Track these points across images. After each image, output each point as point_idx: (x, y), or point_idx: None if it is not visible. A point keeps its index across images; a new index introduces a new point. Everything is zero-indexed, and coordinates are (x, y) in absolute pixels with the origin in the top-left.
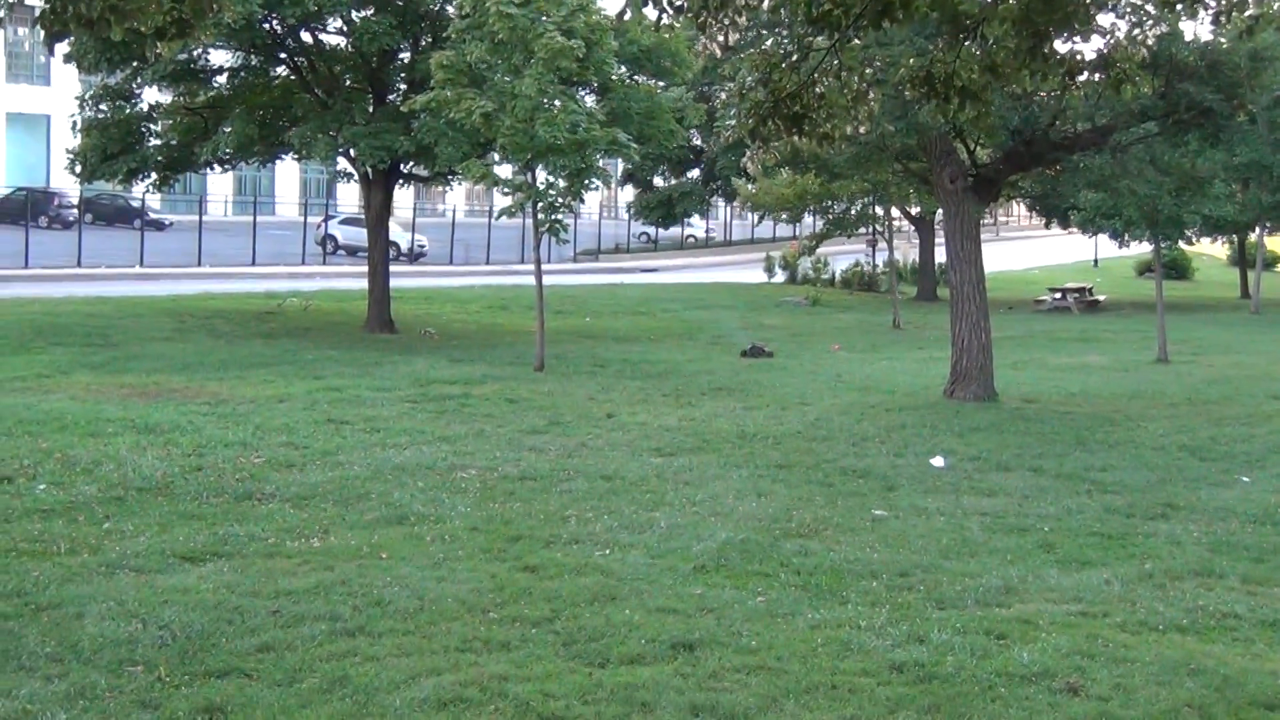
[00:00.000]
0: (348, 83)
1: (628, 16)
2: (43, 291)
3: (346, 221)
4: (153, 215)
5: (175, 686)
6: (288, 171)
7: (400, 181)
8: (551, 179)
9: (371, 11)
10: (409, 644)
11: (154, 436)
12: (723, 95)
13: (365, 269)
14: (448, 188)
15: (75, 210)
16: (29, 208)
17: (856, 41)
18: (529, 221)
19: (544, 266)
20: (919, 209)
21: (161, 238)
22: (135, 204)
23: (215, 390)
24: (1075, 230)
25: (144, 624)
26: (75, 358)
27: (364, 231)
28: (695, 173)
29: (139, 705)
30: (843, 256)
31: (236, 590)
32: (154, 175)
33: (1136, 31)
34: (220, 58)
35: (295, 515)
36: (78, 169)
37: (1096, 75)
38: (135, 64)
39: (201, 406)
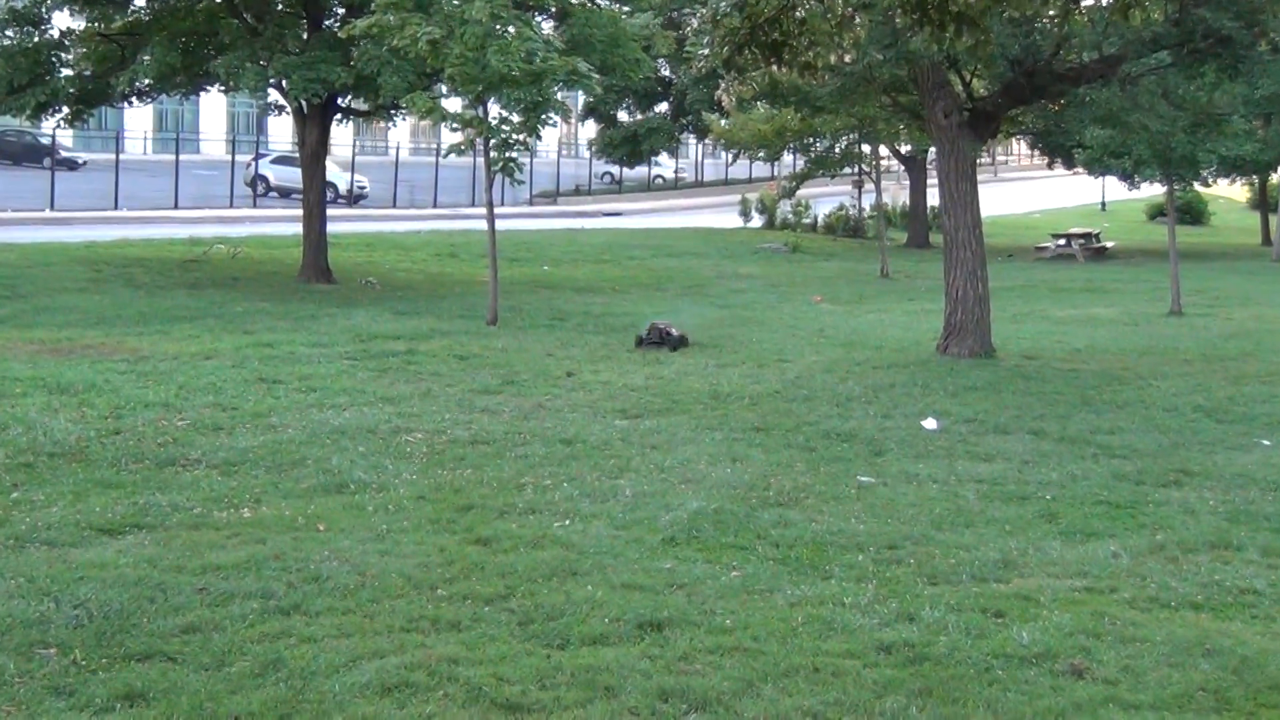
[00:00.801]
0: (279, 7)
1: None
2: None
3: (279, 160)
4: (64, 154)
5: (92, 670)
6: (213, 105)
7: (338, 116)
8: (505, 113)
9: None
10: (349, 624)
11: (67, 397)
12: (694, 21)
13: (299, 213)
14: (390, 123)
15: None
16: None
17: None
18: (480, 160)
19: (497, 210)
20: (909, 147)
21: (74, 178)
22: (45, 141)
23: (134, 346)
24: (1081, 171)
25: (57, 602)
26: None
27: (298, 171)
28: (663, 107)
29: (52, 691)
30: (826, 199)
31: (159, 565)
32: (65, 109)
33: None
34: None
35: (223, 483)
36: None
37: None
38: None
39: (119, 364)
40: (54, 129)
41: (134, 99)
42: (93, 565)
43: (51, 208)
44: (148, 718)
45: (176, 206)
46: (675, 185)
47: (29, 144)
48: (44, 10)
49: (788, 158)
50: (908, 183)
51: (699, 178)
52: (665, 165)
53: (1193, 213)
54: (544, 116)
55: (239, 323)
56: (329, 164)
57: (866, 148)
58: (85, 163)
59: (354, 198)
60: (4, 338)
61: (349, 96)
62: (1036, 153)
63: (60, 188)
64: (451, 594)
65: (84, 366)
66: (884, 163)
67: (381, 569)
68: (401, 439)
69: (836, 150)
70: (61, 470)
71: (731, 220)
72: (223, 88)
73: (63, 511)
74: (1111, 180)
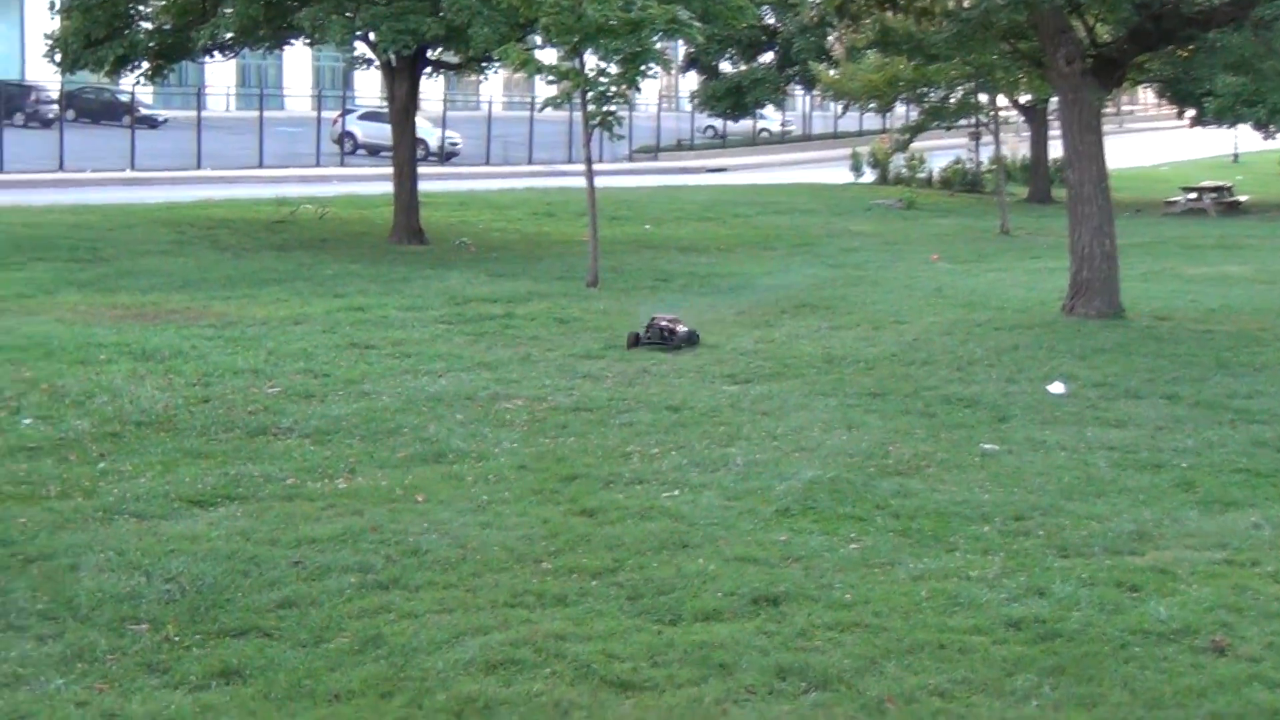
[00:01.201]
0: None
1: None
2: (20, 199)
3: (367, 116)
4: (144, 111)
5: (185, 647)
6: (298, 60)
7: (428, 70)
8: (603, 65)
9: None
10: (451, 599)
11: (153, 364)
12: None
13: (389, 171)
14: (482, 77)
15: (55, 106)
16: (2, 104)
17: None
18: (577, 115)
19: (595, 167)
20: (1029, 97)
21: (154, 137)
22: (124, 98)
23: (221, 311)
24: (1211, 120)
25: (148, 577)
26: (60, 275)
27: (387, 128)
28: (768, 57)
29: (145, 668)
30: (941, 152)
31: (252, 538)
32: (145, 64)
33: None
34: None
35: (316, 453)
36: (57, 58)
37: None
38: None
39: (206, 329)
40: (133, 86)
41: (215, 53)
42: (184, 538)
43: (132, 167)
44: (244, 695)
45: (261, 165)
46: (781, 139)
47: (107, 102)
48: None
49: (900, 109)
50: (1028, 134)
51: (806, 131)
52: (771, 118)
53: None
54: (643, 68)
55: (329, 286)
56: (419, 120)
57: (984, 98)
58: (166, 121)
59: (445, 155)
60: (87, 302)
61: (439, 49)
62: (1164, 101)
63: (140, 147)
64: (557, 567)
65: (170, 332)
66: (1002, 114)
67: (483, 541)
68: (500, 406)
69: (952, 101)
70: (149, 440)
71: (842, 175)
72: (308, 41)
73: (151, 482)
74: (1245, 130)
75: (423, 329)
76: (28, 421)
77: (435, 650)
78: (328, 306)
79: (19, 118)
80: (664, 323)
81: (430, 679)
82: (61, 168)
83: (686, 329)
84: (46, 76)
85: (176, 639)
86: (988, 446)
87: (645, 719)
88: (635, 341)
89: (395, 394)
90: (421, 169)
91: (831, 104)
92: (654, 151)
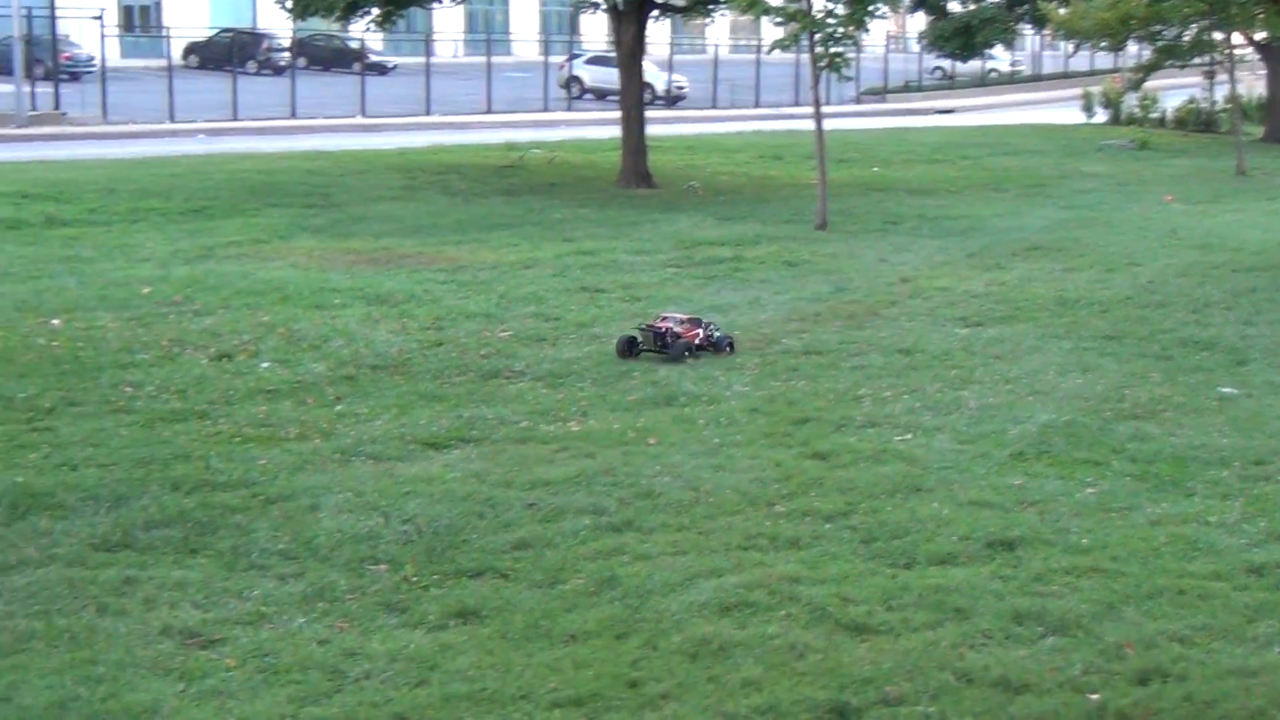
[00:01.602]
0: None
1: None
2: (254, 146)
3: (594, 61)
4: (374, 58)
5: (423, 587)
6: (525, 4)
7: (654, 13)
8: (830, 6)
9: None
10: (684, 541)
11: (386, 308)
12: None
13: (616, 115)
14: (708, 20)
15: (287, 54)
16: (235, 52)
17: None
18: (804, 57)
19: (823, 109)
20: (1266, 34)
21: (384, 83)
22: (354, 45)
23: (452, 255)
24: None
25: (385, 518)
26: (294, 220)
27: (614, 72)
28: None
29: (384, 608)
30: (1174, 92)
31: (487, 480)
32: (375, 11)
33: None
34: None
35: (549, 395)
36: (288, 5)
37: None
38: None
39: (437, 274)
40: (362, 32)
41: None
42: (420, 480)
43: (363, 114)
44: (481, 635)
45: (489, 111)
46: (1011, 79)
47: (337, 49)
48: None
49: (1132, 48)
50: (1264, 73)
51: (1036, 71)
52: (1000, 58)
53: None
54: (871, 8)
55: (558, 230)
56: (646, 64)
57: (1219, 35)
58: (395, 67)
59: (672, 99)
60: (321, 248)
61: None
62: None
63: (370, 93)
64: (789, 510)
65: (402, 276)
66: (1238, 51)
67: (716, 484)
68: (731, 349)
69: (1186, 39)
70: (384, 383)
71: (1073, 115)
72: None
73: (387, 425)
74: None
75: (652, 272)
76: (266, 365)
77: (669, 592)
78: (557, 251)
79: (251, 66)
80: (662, 328)
81: (665, 621)
82: (294, 115)
83: (720, 333)
84: (278, 24)
85: (414, 579)
86: (1226, 390)
87: (881, 663)
88: (628, 349)
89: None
90: (649, 113)
91: (1062, 43)
92: (881, 93)
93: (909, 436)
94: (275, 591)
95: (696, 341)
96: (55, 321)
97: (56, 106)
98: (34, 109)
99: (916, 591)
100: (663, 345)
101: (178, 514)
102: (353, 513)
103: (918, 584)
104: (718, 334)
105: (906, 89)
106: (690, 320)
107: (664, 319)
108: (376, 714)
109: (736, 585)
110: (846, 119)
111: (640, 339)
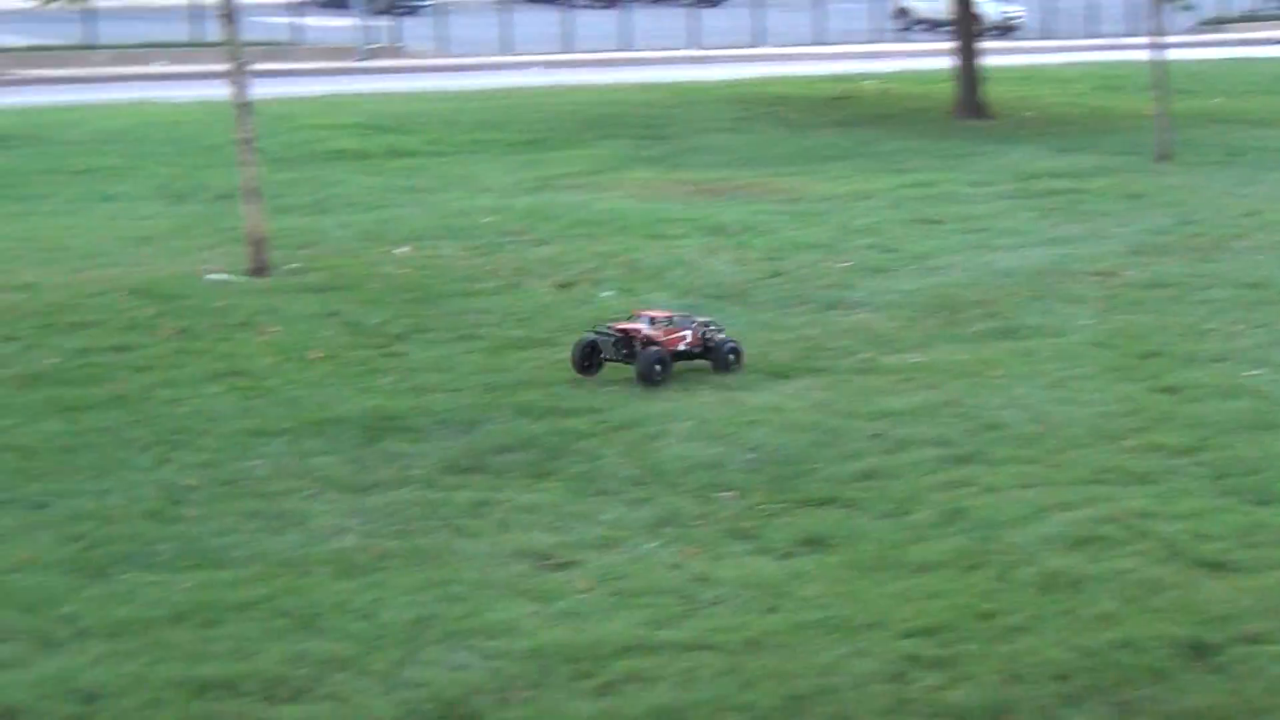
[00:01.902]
0: None
1: None
2: (588, 78)
3: None
4: None
5: (770, 515)
6: None
7: None
8: None
9: None
10: (1031, 474)
11: (723, 238)
12: None
13: (948, 46)
14: None
15: None
16: None
17: None
18: None
19: (1163, 38)
20: None
21: (715, 15)
22: None
23: (786, 187)
24: None
25: (730, 446)
26: (629, 151)
27: (945, 2)
28: None
29: (731, 534)
30: None
31: (830, 410)
32: None
33: None
34: None
35: (889, 326)
36: None
37: None
38: None
39: (772, 205)
40: None
41: None
42: (764, 409)
43: (695, 46)
44: (830, 564)
45: (820, 42)
46: None
47: None
48: None
49: None
50: None
51: None
52: None
53: None
54: None
55: (890, 161)
56: None
57: None
58: None
59: (1005, 29)
60: (656, 178)
61: None
62: None
63: (702, 25)
64: (1138, 445)
65: (737, 207)
66: None
67: (1062, 418)
68: (1072, 282)
69: None
70: (723, 312)
71: None
72: None
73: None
74: None
75: (989, 204)
76: (608, 293)
77: (1018, 525)
78: (891, 182)
79: None
80: (637, 326)
81: (1014, 553)
82: (627, 47)
83: (722, 336)
84: None
85: (761, 507)
86: None
87: (1239, 601)
88: (588, 358)
89: (965, 269)
90: (982, 44)
91: None
92: (1222, 23)
93: (1260, 372)
94: (625, 516)
95: (682, 348)
96: (401, 250)
97: (395, 40)
98: (373, 43)
99: (1274, 529)
100: (629, 354)
101: (527, 439)
102: (698, 440)
103: (1274, 521)
104: (719, 337)
105: (1249, 18)
106: (673, 319)
107: (637, 316)
108: (729, 639)
109: (1087, 519)
110: (1186, 49)
111: (601, 345)
